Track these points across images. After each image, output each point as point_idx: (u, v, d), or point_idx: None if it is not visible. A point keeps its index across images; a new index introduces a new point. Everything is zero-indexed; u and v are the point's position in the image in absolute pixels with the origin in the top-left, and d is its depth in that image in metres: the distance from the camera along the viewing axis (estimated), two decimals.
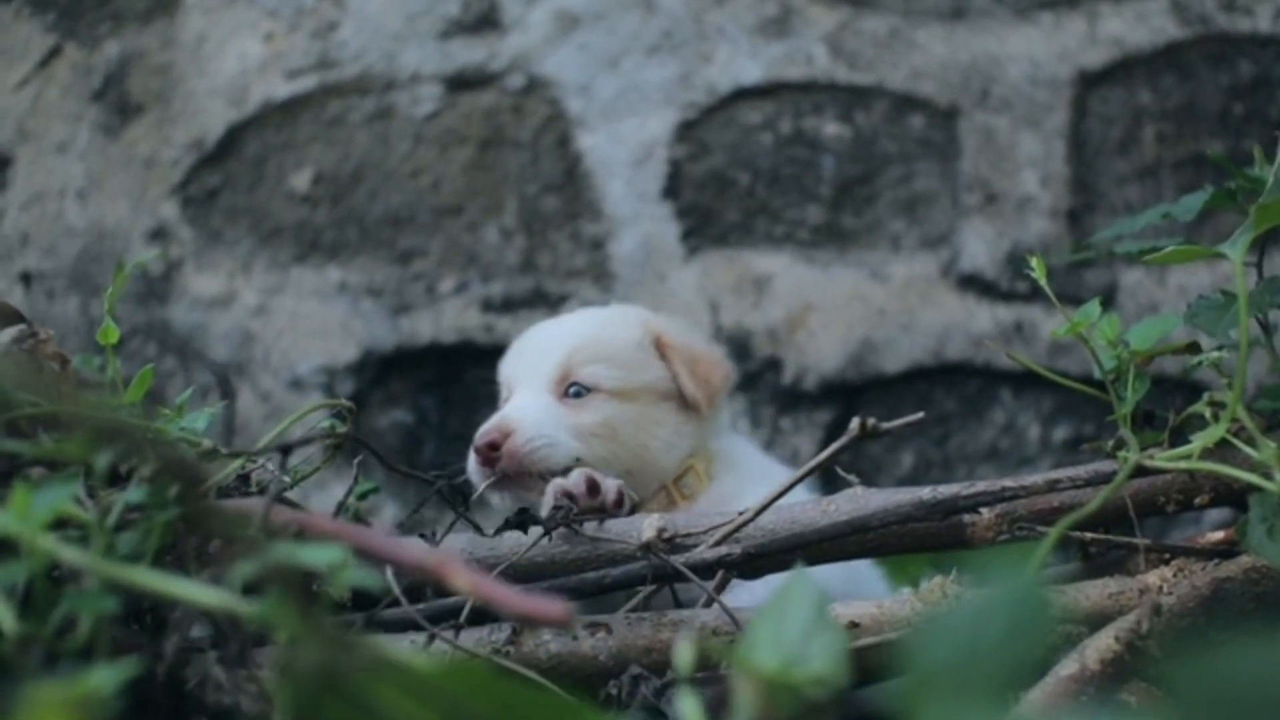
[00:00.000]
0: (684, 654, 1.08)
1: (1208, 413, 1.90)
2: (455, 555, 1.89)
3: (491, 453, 2.22)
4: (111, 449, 1.35)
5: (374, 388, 3.50)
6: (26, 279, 3.62)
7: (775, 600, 1.15)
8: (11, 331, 1.67)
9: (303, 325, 3.51)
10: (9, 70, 3.68)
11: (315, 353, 3.50)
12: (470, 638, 1.79)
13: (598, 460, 2.24)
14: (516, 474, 2.23)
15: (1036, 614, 1.00)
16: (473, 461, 2.25)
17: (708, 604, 1.90)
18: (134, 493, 1.41)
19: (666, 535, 1.93)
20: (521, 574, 1.92)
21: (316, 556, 1.11)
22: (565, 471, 2.16)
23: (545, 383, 2.33)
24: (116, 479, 1.50)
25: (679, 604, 1.96)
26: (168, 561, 1.48)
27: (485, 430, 2.24)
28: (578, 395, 2.33)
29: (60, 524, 1.31)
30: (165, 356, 3.54)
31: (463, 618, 1.78)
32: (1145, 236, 2.44)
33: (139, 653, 1.37)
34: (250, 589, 1.19)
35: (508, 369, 2.44)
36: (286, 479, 1.89)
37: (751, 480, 2.31)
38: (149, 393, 1.87)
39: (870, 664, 1.81)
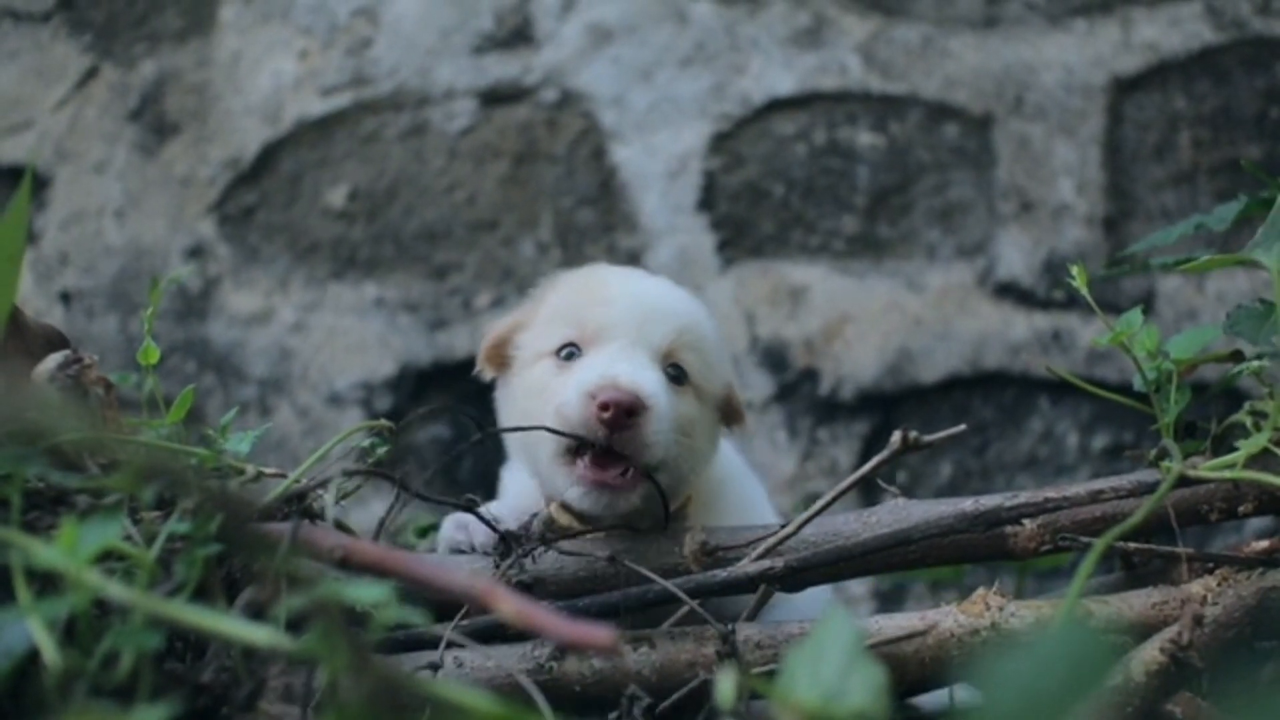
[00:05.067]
0: (725, 685, 1.07)
1: (1249, 422, 1.89)
2: (500, 580, 1.89)
3: (628, 419, 1.86)
4: (156, 482, 1.35)
5: (412, 403, 3.51)
6: (66, 298, 3.64)
7: (812, 635, 1.14)
8: (56, 357, 1.68)
9: (340, 341, 3.53)
10: (47, 91, 3.71)
11: (353, 368, 3.52)
12: (513, 653, 1.78)
13: (670, 460, 1.95)
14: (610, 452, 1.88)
15: (1096, 661, 1.00)
16: (589, 412, 1.87)
17: (750, 617, 1.90)
18: (178, 524, 1.42)
19: (709, 549, 1.93)
20: (564, 590, 1.91)
21: (363, 594, 1.11)
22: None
23: (652, 353, 1.98)
24: (162, 503, 1.51)
25: (720, 618, 1.95)
26: (211, 584, 1.49)
27: (622, 387, 1.87)
28: (675, 380, 2.00)
29: (104, 554, 1.32)
30: (204, 373, 3.56)
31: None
32: (1182, 243, 2.43)
33: (180, 687, 1.37)
34: (293, 619, 1.19)
35: (597, 315, 2.00)
36: (328, 497, 1.89)
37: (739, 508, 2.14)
38: (190, 408, 1.88)
39: (912, 675, 1.82)
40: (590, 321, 2.01)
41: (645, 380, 1.91)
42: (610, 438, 1.87)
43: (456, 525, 2.04)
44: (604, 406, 1.85)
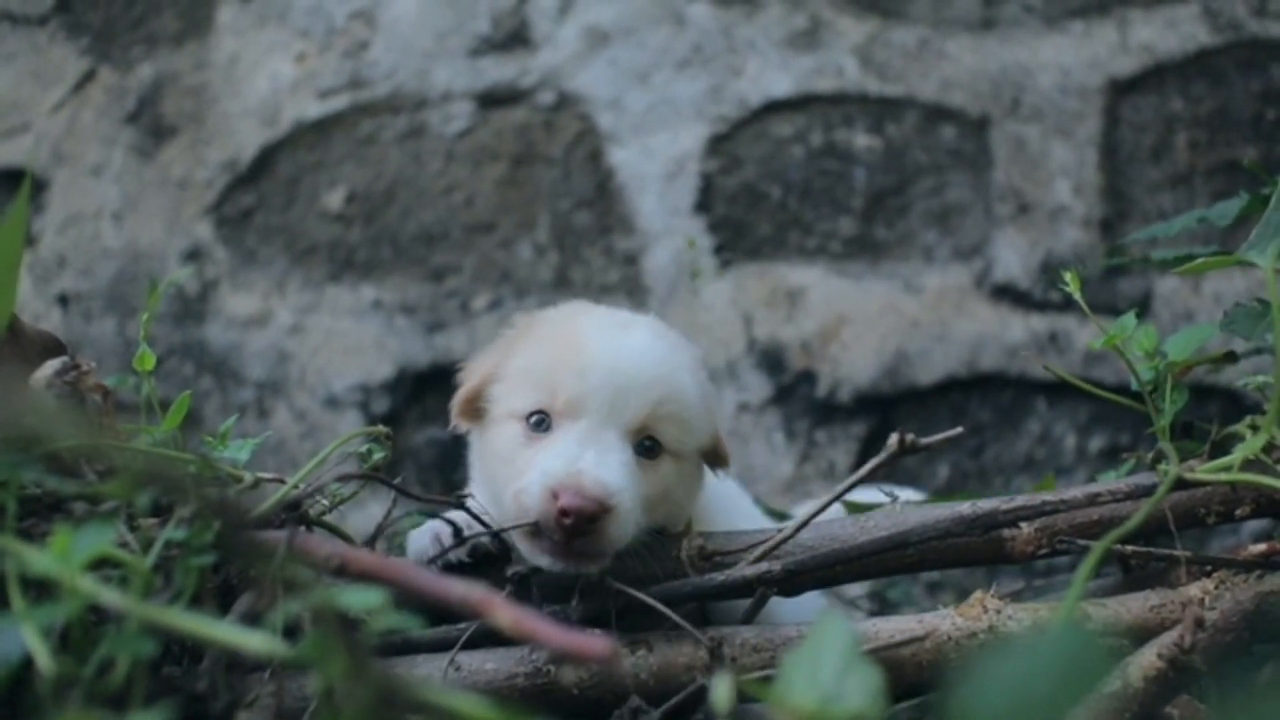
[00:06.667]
0: (721, 689, 1.07)
1: (1249, 436, 1.89)
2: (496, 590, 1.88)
3: (589, 525, 1.80)
4: (153, 489, 1.35)
5: (410, 405, 3.51)
6: (64, 301, 3.64)
7: (809, 638, 1.14)
8: (54, 364, 1.67)
9: (338, 344, 3.53)
10: (44, 94, 3.71)
11: (351, 371, 3.51)
12: (511, 656, 1.78)
13: (638, 533, 1.89)
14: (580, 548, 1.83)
15: (1093, 664, 1.00)
16: (549, 509, 1.80)
17: (747, 620, 1.90)
18: (174, 532, 1.41)
19: (706, 552, 1.93)
20: (562, 593, 1.90)
21: (358, 600, 1.11)
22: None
23: (624, 430, 1.91)
24: (158, 510, 1.51)
25: (712, 620, 1.95)
26: (208, 592, 1.49)
27: (585, 491, 1.80)
28: (648, 453, 1.93)
29: (100, 561, 1.32)
30: (202, 376, 3.56)
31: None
32: (1181, 242, 2.43)
33: (176, 694, 1.37)
34: (289, 626, 1.19)
35: (570, 385, 1.92)
36: (325, 502, 1.89)
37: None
38: (187, 412, 1.87)
39: (910, 678, 1.81)
40: (563, 391, 1.92)
41: (610, 477, 1.83)
42: (569, 541, 1.81)
43: (432, 537, 1.97)
44: (564, 512, 1.78)
